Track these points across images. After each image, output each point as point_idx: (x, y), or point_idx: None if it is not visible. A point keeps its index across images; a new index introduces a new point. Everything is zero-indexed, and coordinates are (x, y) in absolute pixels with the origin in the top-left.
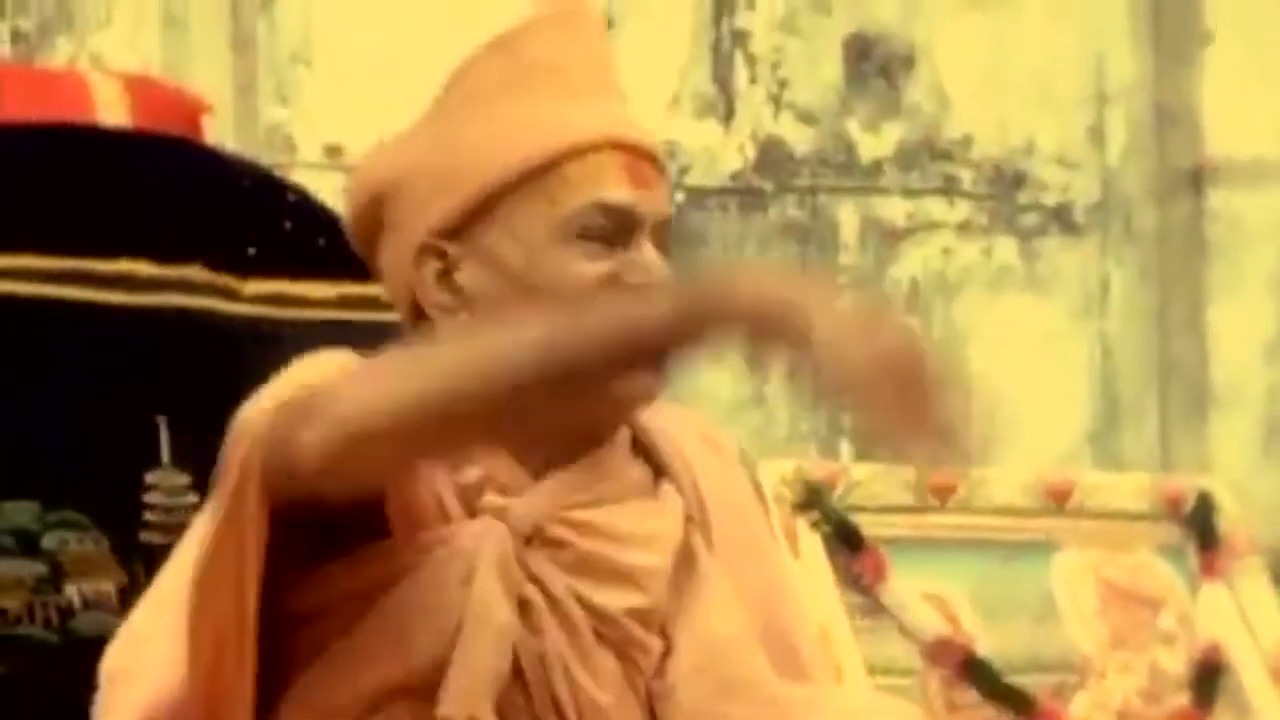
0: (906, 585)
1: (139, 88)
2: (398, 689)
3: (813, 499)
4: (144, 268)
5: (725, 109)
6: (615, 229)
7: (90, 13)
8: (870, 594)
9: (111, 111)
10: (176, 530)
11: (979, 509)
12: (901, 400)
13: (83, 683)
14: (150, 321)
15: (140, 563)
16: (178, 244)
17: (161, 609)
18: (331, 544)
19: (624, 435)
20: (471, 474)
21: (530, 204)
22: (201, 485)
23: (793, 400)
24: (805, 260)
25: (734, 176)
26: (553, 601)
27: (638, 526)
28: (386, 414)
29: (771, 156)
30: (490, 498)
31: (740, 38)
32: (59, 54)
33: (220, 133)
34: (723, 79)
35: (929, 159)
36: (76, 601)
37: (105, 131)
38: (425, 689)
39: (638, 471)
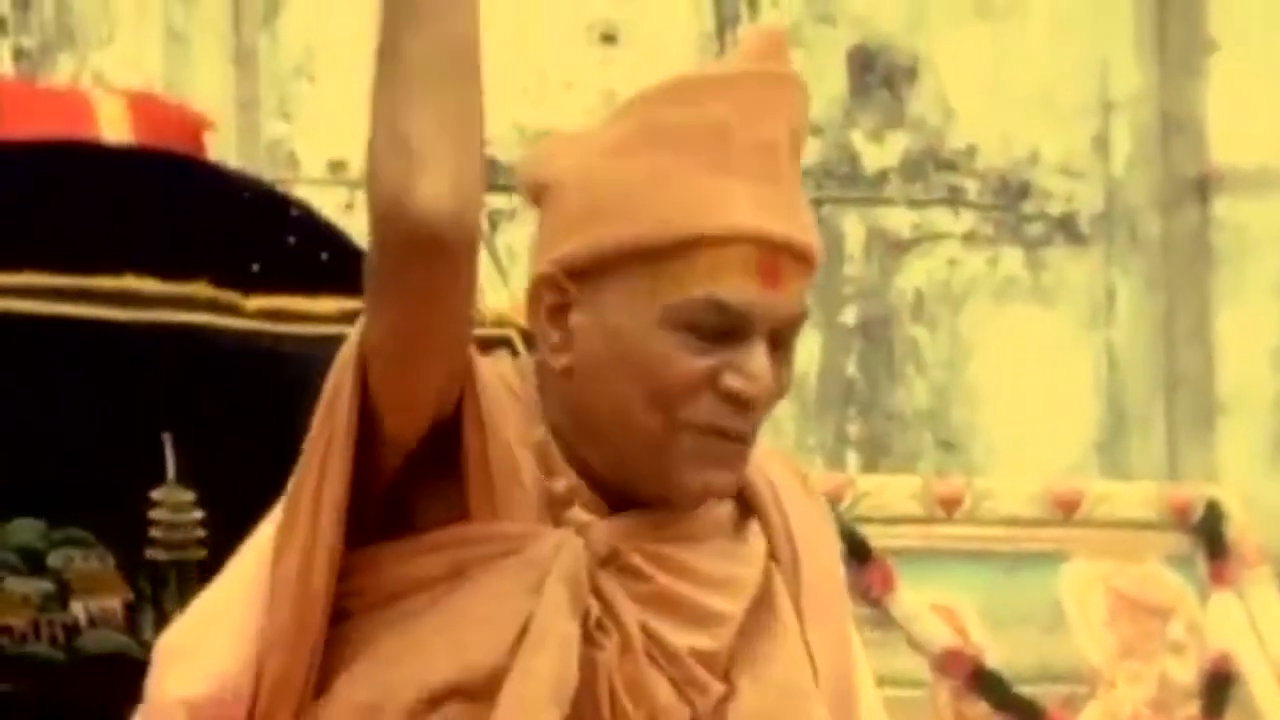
0: (915, 597)
1: (141, 104)
2: (454, 691)
3: None
4: (148, 285)
5: None
6: (727, 327)
7: (92, 30)
8: (879, 606)
9: (114, 128)
10: (182, 546)
11: (986, 520)
12: None
13: (89, 700)
14: (154, 338)
15: (146, 579)
16: (181, 261)
17: (228, 589)
18: (395, 528)
19: None
20: (560, 484)
21: (652, 277)
22: (206, 501)
23: (799, 412)
24: None
25: None
26: (617, 623)
27: (717, 569)
28: (441, 107)
29: None
30: (576, 511)
31: None
32: (61, 71)
33: (223, 148)
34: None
35: (934, 170)
36: (83, 619)
37: (108, 149)
38: (482, 693)
39: (725, 509)
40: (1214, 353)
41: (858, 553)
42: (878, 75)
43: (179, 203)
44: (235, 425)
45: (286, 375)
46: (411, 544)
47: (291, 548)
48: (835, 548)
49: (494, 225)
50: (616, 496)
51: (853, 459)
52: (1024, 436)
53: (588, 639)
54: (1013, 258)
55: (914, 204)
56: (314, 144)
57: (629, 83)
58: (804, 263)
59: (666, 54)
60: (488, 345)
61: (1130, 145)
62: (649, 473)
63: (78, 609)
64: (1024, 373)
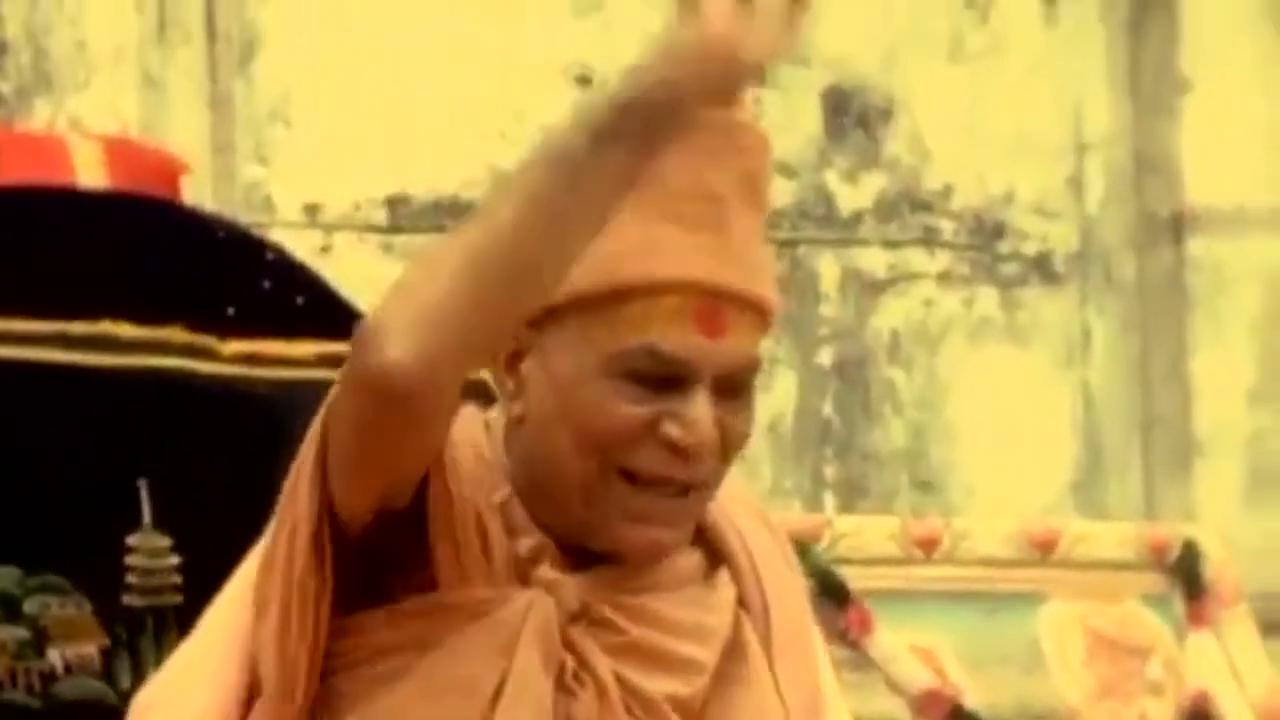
0: (893, 638)
1: (117, 149)
2: None
3: (797, 553)
4: (124, 329)
5: None
6: (666, 375)
7: (68, 75)
8: (857, 647)
9: (90, 173)
10: (158, 592)
11: (964, 560)
12: None
13: None
14: (131, 383)
15: (122, 625)
16: (157, 305)
17: (204, 644)
18: (375, 593)
19: None
20: (526, 544)
21: (591, 326)
22: (183, 547)
23: (775, 454)
24: (785, 312)
25: None
26: (592, 674)
27: (688, 617)
28: (456, 287)
29: None
30: (544, 569)
31: None
32: (37, 116)
33: (199, 192)
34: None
35: (909, 210)
36: (59, 666)
37: (84, 193)
38: None
39: (694, 558)
40: (1190, 392)
41: (835, 594)
42: (852, 116)
43: (155, 247)
44: (211, 470)
45: (263, 419)
46: (386, 613)
47: (268, 615)
48: (802, 590)
49: None
50: (580, 552)
51: (829, 500)
52: (1001, 476)
53: (564, 691)
54: (988, 297)
55: (889, 244)
56: (290, 188)
57: None
58: (753, 311)
59: None
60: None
61: (1105, 185)
62: (592, 526)
63: (54, 656)
64: (1000, 413)
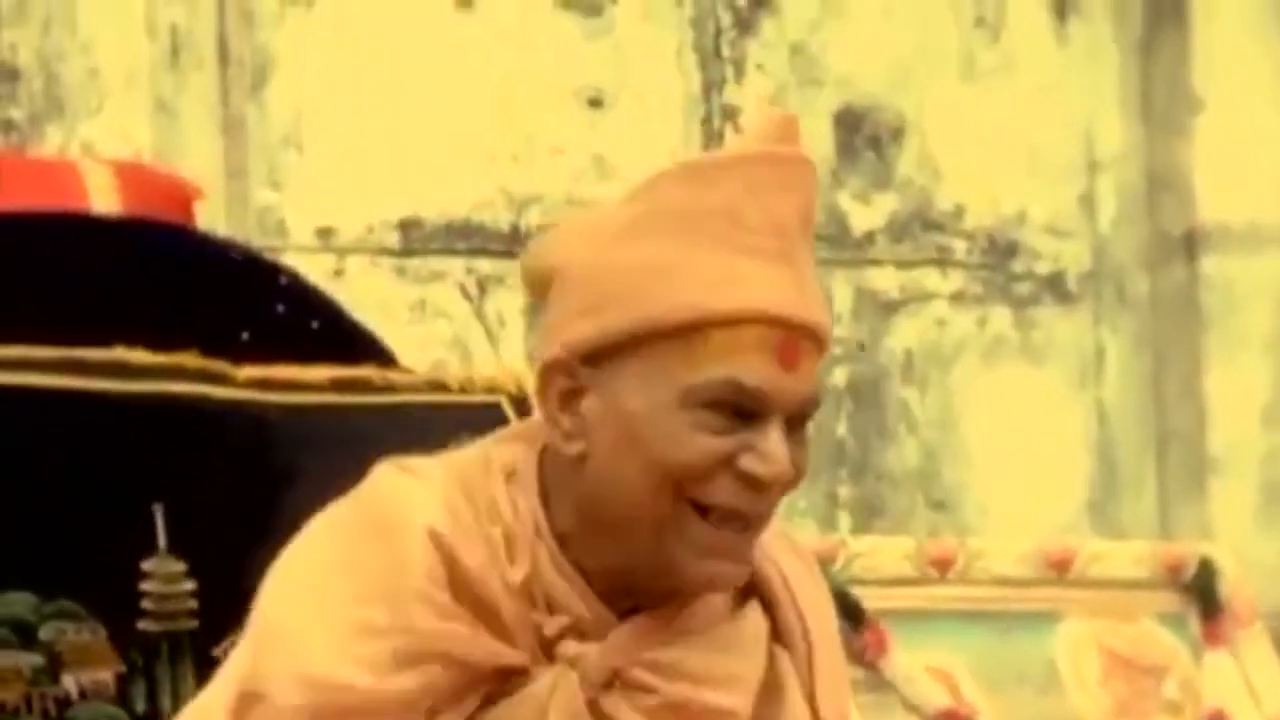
0: (909, 658)
1: (130, 174)
2: None
3: None
4: (137, 355)
5: None
6: (745, 409)
7: (80, 101)
8: (873, 668)
9: (103, 199)
10: (174, 617)
11: (979, 580)
12: None
13: None
14: (145, 409)
15: (138, 651)
16: (171, 331)
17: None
18: None
19: None
20: (553, 625)
21: (667, 359)
22: (198, 572)
23: None
24: None
25: None
26: None
27: (718, 665)
28: None
29: None
30: (565, 644)
31: (730, 112)
32: (50, 142)
33: (212, 217)
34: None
35: (921, 230)
36: (74, 692)
37: (97, 219)
38: None
39: (723, 596)
40: (1204, 410)
41: (851, 615)
42: (864, 136)
43: (168, 272)
44: (226, 495)
45: (277, 444)
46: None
47: None
48: (834, 613)
49: (483, 290)
50: (623, 597)
51: (844, 520)
52: (1016, 496)
53: None
54: (1001, 317)
55: (902, 264)
56: (302, 212)
57: (617, 147)
58: (818, 343)
59: (654, 118)
60: (476, 412)
61: (1117, 204)
62: (656, 563)
63: (69, 682)
64: (1014, 432)
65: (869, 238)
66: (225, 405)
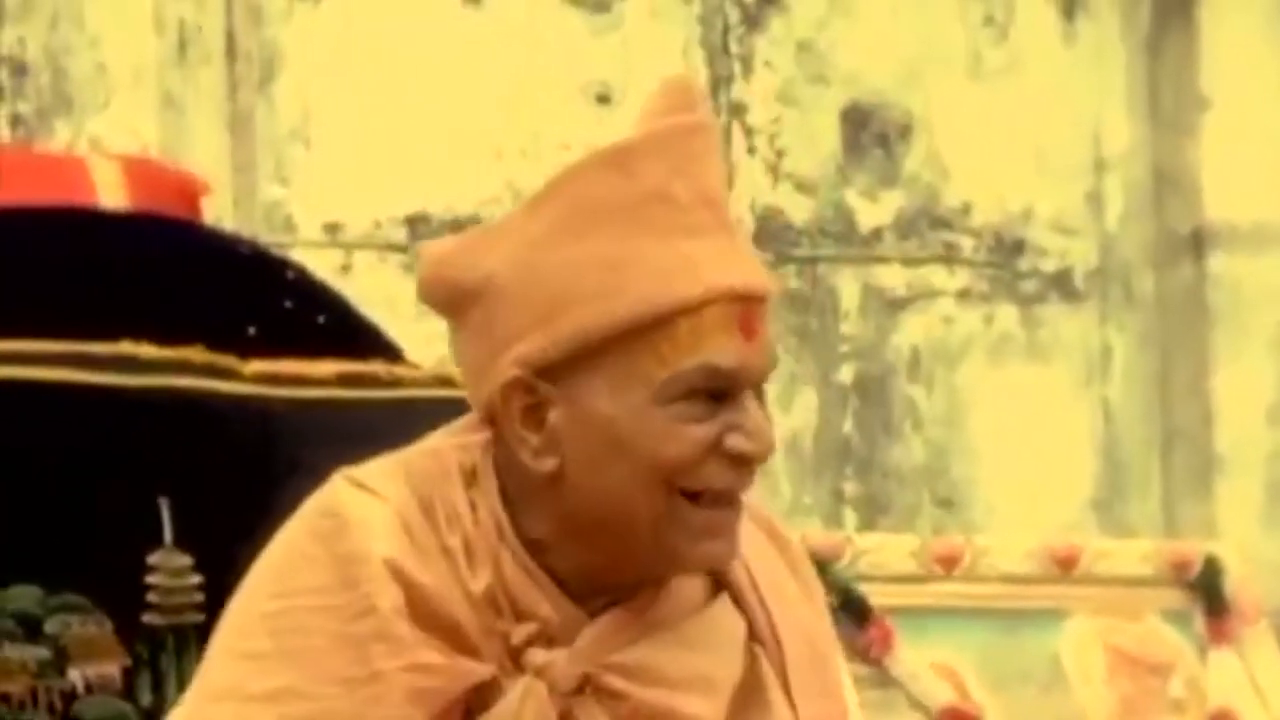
0: (914, 655)
1: (137, 169)
2: None
3: (818, 570)
4: (144, 350)
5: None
6: (720, 390)
7: (88, 96)
8: (878, 665)
9: (110, 193)
10: (180, 611)
11: (985, 577)
12: None
13: None
14: (151, 403)
15: (144, 644)
16: (178, 325)
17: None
18: None
19: None
20: (521, 633)
21: (634, 358)
22: (204, 566)
23: (796, 471)
24: (806, 330)
25: None
26: None
27: (689, 666)
28: None
29: (771, 226)
30: (533, 653)
31: (738, 109)
32: (57, 137)
33: (219, 212)
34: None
35: (928, 227)
36: (80, 685)
37: (104, 214)
38: None
39: (695, 584)
40: (1211, 408)
41: (857, 612)
42: (871, 134)
43: (175, 267)
44: (233, 489)
45: (284, 438)
46: None
47: None
48: (821, 611)
49: None
50: (602, 599)
51: (850, 518)
52: (1021, 493)
53: None
54: (1008, 315)
55: (909, 262)
56: (310, 207)
57: None
58: (766, 306)
59: None
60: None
61: (1124, 202)
62: (651, 557)
63: (75, 675)
64: (1020, 430)
65: (876, 235)
66: (232, 400)
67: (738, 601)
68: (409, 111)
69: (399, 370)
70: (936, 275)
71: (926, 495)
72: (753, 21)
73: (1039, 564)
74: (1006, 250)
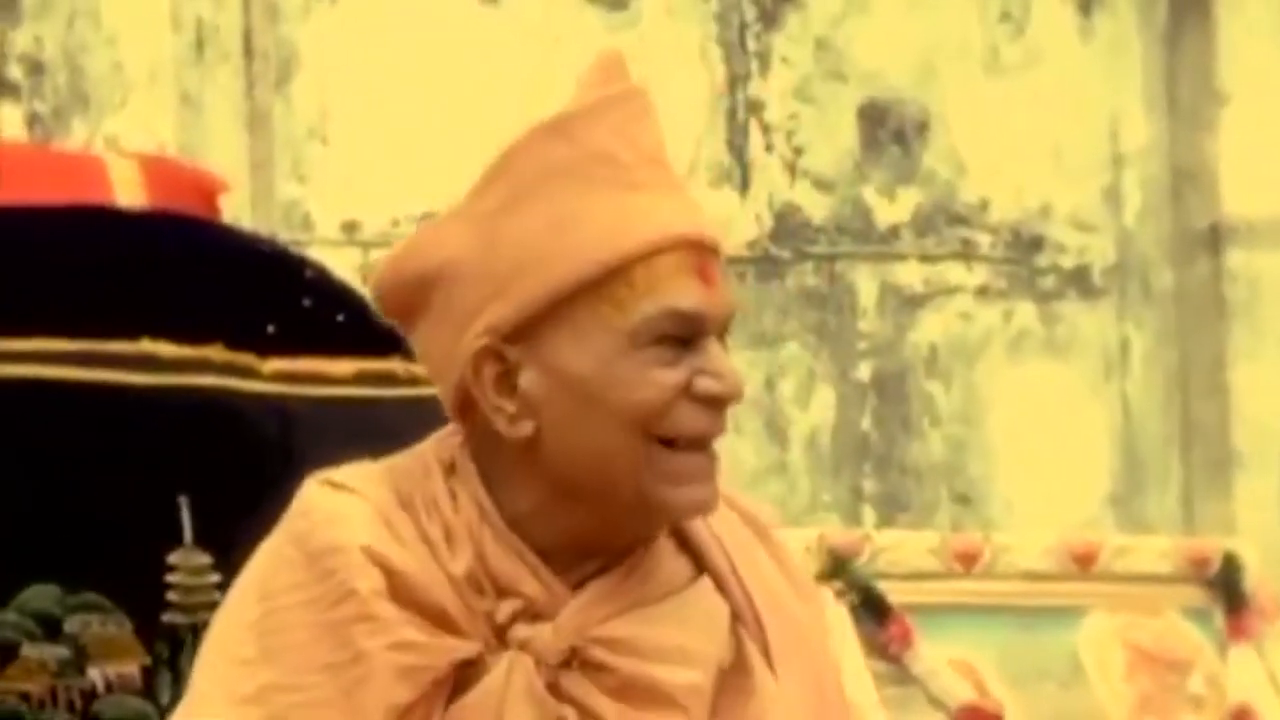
0: (933, 652)
1: (155, 168)
2: None
3: (837, 567)
4: (164, 348)
5: (741, 177)
6: (685, 334)
7: (105, 95)
8: (898, 662)
9: (128, 192)
10: (199, 610)
11: (1004, 574)
12: None
13: None
14: (171, 402)
15: (164, 643)
16: (197, 324)
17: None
18: None
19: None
20: (505, 609)
21: (596, 310)
22: (223, 565)
23: (814, 468)
24: (824, 327)
25: (751, 245)
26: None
27: (673, 639)
28: None
29: (788, 224)
30: (517, 629)
31: (755, 106)
32: (75, 136)
33: (237, 211)
34: (738, 147)
35: (946, 224)
36: (100, 685)
37: (122, 212)
38: None
39: (679, 564)
40: (1229, 404)
41: (875, 609)
42: (889, 130)
43: (193, 266)
44: (252, 487)
45: (303, 436)
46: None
47: None
48: (812, 595)
49: None
50: (586, 568)
51: (869, 515)
52: (1040, 490)
53: None
54: (1026, 311)
55: (927, 258)
56: (328, 206)
57: None
58: (720, 257)
59: (678, 112)
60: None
61: (1142, 198)
62: (636, 511)
63: (95, 675)
64: (1039, 426)
65: (893, 231)
66: (251, 398)
67: (720, 587)
68: (426, 110)
69: (417, 369)
70: (954, 272)
71: (945, 492)
72: (770, 19)
73: (1058, 561)
74: (1024, 246)
